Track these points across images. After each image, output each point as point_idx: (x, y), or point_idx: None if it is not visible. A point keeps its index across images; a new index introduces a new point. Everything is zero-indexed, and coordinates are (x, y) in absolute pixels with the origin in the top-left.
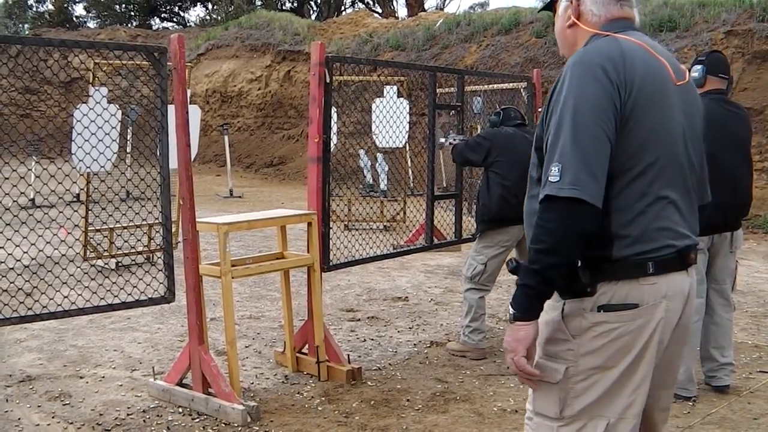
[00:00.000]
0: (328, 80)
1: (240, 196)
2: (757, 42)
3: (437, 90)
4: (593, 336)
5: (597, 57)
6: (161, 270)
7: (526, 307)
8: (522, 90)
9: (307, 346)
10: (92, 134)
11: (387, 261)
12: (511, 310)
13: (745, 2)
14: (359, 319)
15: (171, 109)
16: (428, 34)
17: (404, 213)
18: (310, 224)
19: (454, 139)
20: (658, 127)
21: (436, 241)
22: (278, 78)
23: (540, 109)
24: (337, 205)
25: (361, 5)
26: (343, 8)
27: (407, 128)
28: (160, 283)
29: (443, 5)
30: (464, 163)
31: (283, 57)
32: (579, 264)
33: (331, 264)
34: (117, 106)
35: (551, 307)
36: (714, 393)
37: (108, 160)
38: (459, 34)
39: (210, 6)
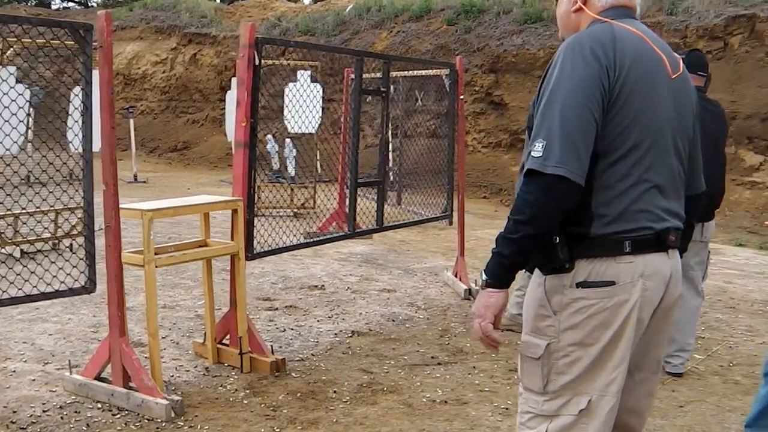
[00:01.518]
0: (257, 62)
1: (144, 181)
2: (665, 34)
3: (353, 75)
4: (572, 312)
5: (588, 40)
6: (82, 258)
7: (499, 275)
8: (444, 77)
9: (228, 336)
10: None
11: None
12: (484, 276)
13: None
14: (277, 308)
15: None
16: (338, 20)
17: (314, 200)
18: (235, 211)
19: None
20: (645, 112)
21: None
22: (184, 61)
23: (462, 97)
24: None
25: None
26: None
27: (320, 113)
28: (81, 272)
29: None
30: None
31: (189, 40)
32: (558, 240)
33: (255, 252)
34: (25, 85)
35: (536, 284)
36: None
37: (14, 142)
38: (369, 20)
39: None
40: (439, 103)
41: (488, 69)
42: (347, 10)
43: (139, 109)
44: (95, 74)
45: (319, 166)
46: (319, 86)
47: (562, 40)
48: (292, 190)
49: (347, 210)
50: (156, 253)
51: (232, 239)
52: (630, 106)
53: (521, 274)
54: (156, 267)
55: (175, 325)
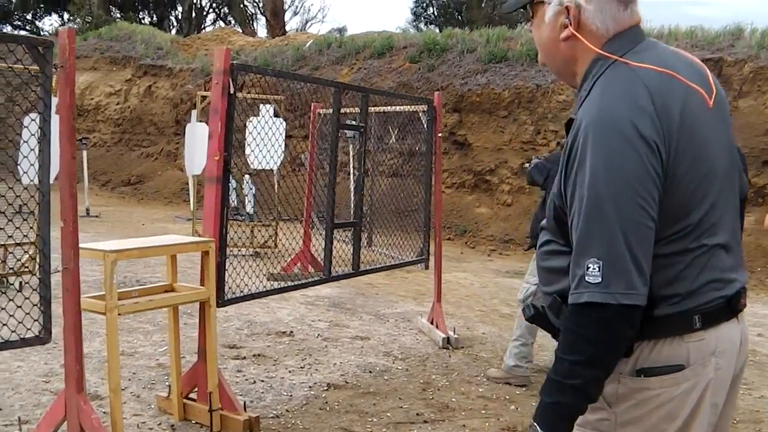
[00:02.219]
0: (232, 91)
1: (97, 216)
2: None
3: (321, 110)
4: (632, 404)
5: (623, 110)
6: (36, 304)
7: (559, 428)
8: (421, 114)
9: (196, 390)
10: None
11: None
12: (539, 430)
13: None
14: (245, 357)
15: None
16: (297, 55)
17: (275, 239)
18: (206, 253)
19: (536, 162)
20: (701, 170)
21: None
22: (138, 93)
23: (440, 134)
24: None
25: (222, 23)
26: (203, 26)
27: (283, 149)
28: (35, 320)
29: (304, 28)
30: (531, 184)
31: (145, 71)
32: None
33: (226, 299)
34: None
35: None
36: None
37: None
38: (330, 55)
39: (66, 15)
40: (402, 141)
41: (452, 108)
42: (307, 45)
43: (92, 141)
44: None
45: (278, 203)
46: (282, 121)
47: (543, 65)
48: (252, 228)
49: (323, 252)
50: (119, 299)
51: (202, 284)
52: (687, 178)
53: (520, 323)
54: (119, 315)
55: (135, 375)
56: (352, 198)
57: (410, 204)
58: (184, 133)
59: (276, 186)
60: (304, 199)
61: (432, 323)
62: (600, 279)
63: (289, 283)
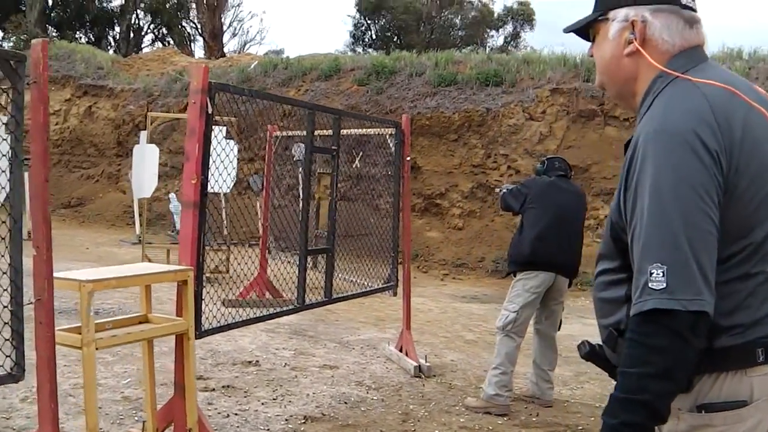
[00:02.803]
0: (209, 111)
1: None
2: (582, 101)
3: (277, 133)
4: None
5: (687, 121)
6: (8, 339)
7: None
8: (388, 137)
9: (172, 427)
10: None
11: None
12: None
13: (569, 62)
14: (213, 389)
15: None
16: (243, 76)
17: (228, 264)
18: (184, 282)
19: (507, 189)
20: (765, 196)
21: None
22: (78, 113)
23: (409, 158)
24: (155, 255)
25: (160, 44)
26: (141, 46)
27: (236, 172)
28: (7, 356)
29: (242, 50)
30: (506, 209)
31: (85, 91)
32: None
33: (203, 330)
34: None
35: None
36: None
37: None
38: (276, 77)
39: (1, 34)
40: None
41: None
42: (252, 66)
43: (29, 162)
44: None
45: (225, 227)
46: (234, 143)
47: (600, 88)
48: (203, 252)
49: (297, 279)
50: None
51: (179, 314)
52: (748, 193)
53: (499, 350)
54: (96, 349)
55: (101, 410)
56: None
57: (362, 228)
58: (127, 154)
59: (224, 209)
60: (256, 223)
61: (401, 351)
62: (665, 285)
63: (265, 312)
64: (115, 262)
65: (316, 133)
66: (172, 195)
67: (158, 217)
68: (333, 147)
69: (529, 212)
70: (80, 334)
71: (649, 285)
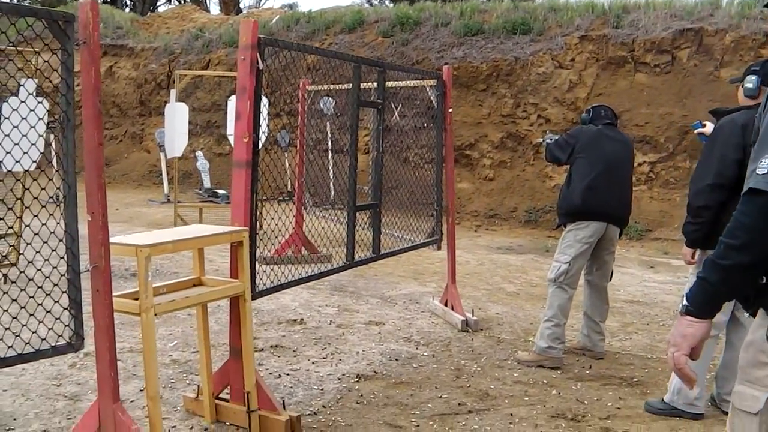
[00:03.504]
0: (260, 67)
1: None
2: (611, 48)
3: (309, 87)
4: None
5: None
6: (66, 308)
7: (701, 304)
8: (428, 88)
9: (228, 390)
10: None
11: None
12: (684, 302)
13: (597, 8)
14: (262, 349)
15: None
16: (264, 32)
17: (260, 221)
18: (239, 243)
19: (551, 139)
20: None
21: (330, 258)
22: (100, 74)
23: (451, 110)
24: (186, 214)
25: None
26: (156, 5)
27: (267, 128)
28: (66, 326)
29: (258, 5)
30: (553, 161)
31: (105, 52)
32: None
33: (258, 290)
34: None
35: (757, 326)
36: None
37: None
38: (299, 32)
39: None
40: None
41: None
42: (273, 21)
43: (55, 123)
44: None
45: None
46: (264, 99)
47: None
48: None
49: (346, 235)
50: None
51: (234, 276)
52: None
53: (551, 302)
54: (156, 315)
55: None
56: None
57: (390, 182)
58: (150, 114)
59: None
60: (284, 178)
61: (446, 305)
62: (766, 170)
63: (310, 269)
64: (145, 222)
65: (347, 86)
66: (198, 153)
67: (185, 176)
68: (378, 100)
69: (578, 162)
70: (137, 300)
71: (757, 171)
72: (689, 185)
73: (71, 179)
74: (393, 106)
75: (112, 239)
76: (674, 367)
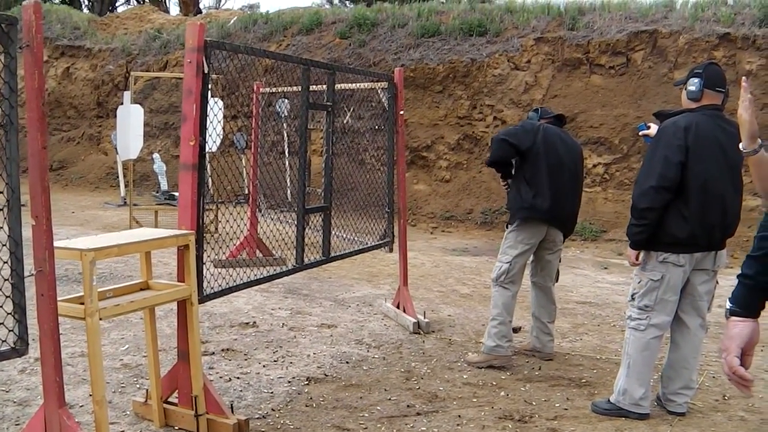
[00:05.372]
0: (206, 70)
1: (24, 205)
2: (567, 49)
3: (263, 89)
4: None
5: None
6: (10, 313)
7: (742, 301)
8: (380, 90)
9: (176, 394)
10: None
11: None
12: (728, 305)
13: (553, 10)
14: (213, 353)
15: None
16: (222, 33)
17: (216, 223)
18: (186, 247)
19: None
20: None
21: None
22: (56, 75)
23: (402, 112)
24: (142, 217)
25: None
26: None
27: (222, 130)
28: (10, 330)
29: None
30: (502, 156)
31: (62, 52)
32: None
33: (205, 294)
34: None
35: None
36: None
37: None
38: (256, 32)
39: None
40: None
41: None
42: (231, 22)
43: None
44: None
45: (210, 186)
46: (220, 102)
47: None
48: None
49: (296, 238)
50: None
51: (181, 280)
52: None
53: (496, 302)
54: (100, 319)
55: None
56: (299, 180)
57: (349, 184)
58: (107, 115)
59: (208, 168)
60: (240, 181)
61: (398, 307)
62: None
63: (263, 272)
64: (101, 225)
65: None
66: (155, 155)
67: (142, 178)
68: (328, 103)
69: (524, 162)
70: (83, 304)
71: None
72: (633, 187)
73: (15, 183)
74: (346, 108)
75: (56, 243)
76: (727, 371)
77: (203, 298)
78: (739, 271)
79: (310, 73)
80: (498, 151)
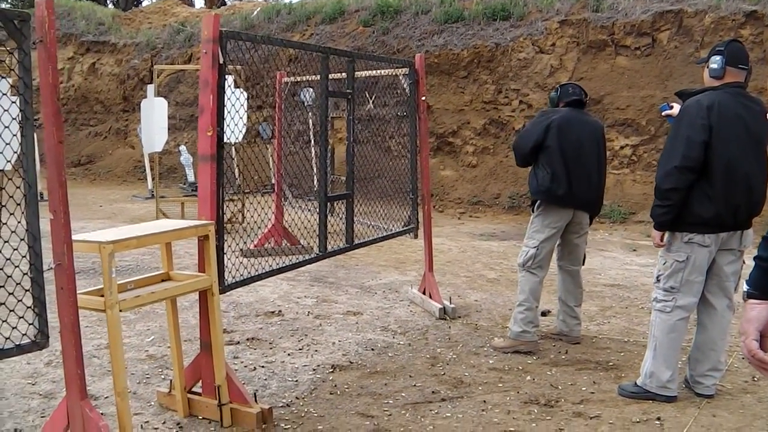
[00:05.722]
0: (221, 61)
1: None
2: (592, 31)
3: (285, 79)
4: None
5: None
6: (30, 307)
7: (759, 283)
8: (401, 77)
9: (200, 384)
10: None
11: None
12: (746, 287)
13: None
14: (238, 342)
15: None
16: (246, 24)
17: (243, 213)
18: (206, 237)
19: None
20: None
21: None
22: (82, 71)
23: (424, 98)
24: (169, 209)
25: None
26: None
27: (245, 121)
28: (30, 324)
29: None
30: (521, 157)
31: (87, 48)
32: None
33: (227, 284)
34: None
35: None
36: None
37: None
38: (280, 23)
39: None
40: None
41: None
42: (254, 14)
43: (36, 122)
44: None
45: (238, 176)
46: (243, 92)
47: None
48: None
49: (318, 227)
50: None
51: (201, 270)
52: None
53: (522, 287)
54: (120, 311)
55: (126, 370)
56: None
57: (375, 171)
58: (133, 109)
59: (234, 158)
60: (267, 171)
61: (425, 293)
62: None
63: (287, 261)
64: (128, 218)
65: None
66: (182, 147)
67: (169, 171)
68: (348, 90)
69: (544, 148)
70: (103, 296)
71: None
72: (657, 168)
73: (31, 178)
74: (369, 96)
75: (75, 236)
76: (747, 355)
77: (224, 288)
78: (757, 253)
79: (334, 61)
80: (517, 157)
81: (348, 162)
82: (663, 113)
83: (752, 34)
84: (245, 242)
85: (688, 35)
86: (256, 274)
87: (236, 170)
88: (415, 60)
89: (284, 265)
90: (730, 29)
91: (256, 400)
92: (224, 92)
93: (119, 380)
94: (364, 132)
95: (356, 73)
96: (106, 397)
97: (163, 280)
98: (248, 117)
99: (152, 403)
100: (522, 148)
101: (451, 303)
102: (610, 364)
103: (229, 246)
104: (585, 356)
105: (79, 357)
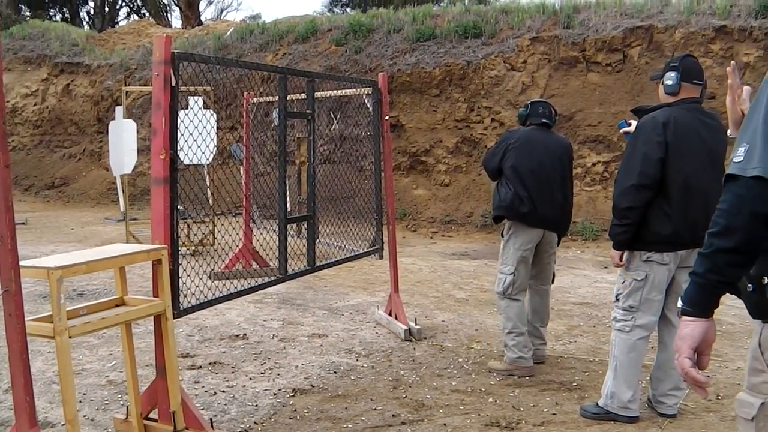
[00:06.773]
0: (174, 83)
1: (24, 222)
2: (563, 48)
3: (253, 99)
4: None
5: None
6: None
7: (693, 300)
8: (365, 97)
9: (156, 410)
10: None
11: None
12: (680, 303)
13: (548, 9)
14: (200, 366)
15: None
16: (219, 44)
17: (213, 235)
18: (158, 261)
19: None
20: None
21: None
22: (56, 92)
23: (388, 117)
24: (140, 231)
25: (135, 17)
26: (116, 20)
27: (215, 142)
28: None
29: (219, 17)
30: (490, 173)
31: (61, 69)
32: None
33: (182, 309)
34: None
35: (755, 332)
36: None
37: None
38: (252, 42)
39: None
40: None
41: None
42: (228, 33)
43: (10, 145)
44: None
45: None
46: (212, 113)
47: None
48: (188, 225)
49: (278, 249)
50: (66, 318)
51: (156, 295)
52: None
53: (507, 314)
54: (70, 337)
55: (85, 395)
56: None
57: (345, 191)
58: (107, 131)
59: (207, 180)
60: (239, 193)
61: (390, 314)
62: (742, 158)
63: (247, 285)
64: (99, 240)
65: (295, 97)
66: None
67: (143, 193)
68: (308, 111)
69: (508, 168)
70: (52, 323)
71: (734, 159)
72: (614, 186)
73: None
74: (333, 116)
75: (23, 262)
76: (681, 373)
77: (180, 313)
78: (692, 269)
79: (301, 81)
80: (488, 175)
81: (309, 183)
82: (621, 130)
83: (722, 49)
84: (216, 264)
85: (659, 51)
86: (213, 298)
87: (208, 191)
88: (378, 79)
89: (242, 288)
90: (700, 44)
91: (212, 426)
92: (177, 114)
93: (69, 407)
94: (338, 152)
95: (320, 92)
96: (63, 425)
97: (117, 305)
98: (219, 138)
99: (109, 430)
100: (488, 169)
101: (416, 324)
102: (574, 384)
103: (198, 269)
104: (549, 377)
105: (28, 384)
